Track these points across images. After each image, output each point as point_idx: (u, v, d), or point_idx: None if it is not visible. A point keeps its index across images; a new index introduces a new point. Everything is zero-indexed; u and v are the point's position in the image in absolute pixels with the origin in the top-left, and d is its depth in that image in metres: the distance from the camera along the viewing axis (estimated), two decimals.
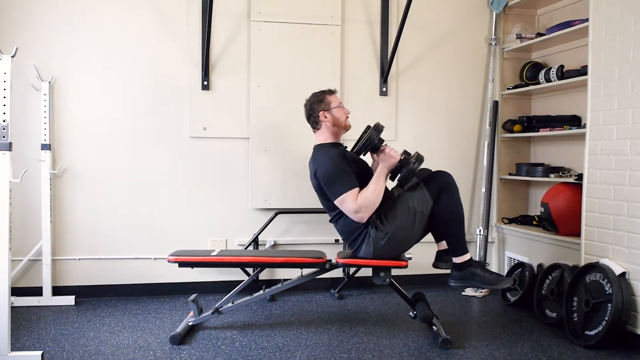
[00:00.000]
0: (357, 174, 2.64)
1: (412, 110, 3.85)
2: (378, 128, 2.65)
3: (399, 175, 2.66)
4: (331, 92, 2.83)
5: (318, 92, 2.83)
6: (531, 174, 3.63)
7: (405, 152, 2.72)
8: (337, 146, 2.77)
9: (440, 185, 2.62)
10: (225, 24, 3.56)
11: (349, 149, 2.82)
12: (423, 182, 2.66)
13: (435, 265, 2.83)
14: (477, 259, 3.74)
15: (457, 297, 3.60)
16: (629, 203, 2.65)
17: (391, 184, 2.77)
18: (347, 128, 2.82)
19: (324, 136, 2.79)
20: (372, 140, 2.63)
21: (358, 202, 2.54)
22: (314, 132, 2.83)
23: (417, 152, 2.68)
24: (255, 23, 3.57)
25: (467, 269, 2.64)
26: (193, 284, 3.56)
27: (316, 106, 2.78)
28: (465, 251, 2.66)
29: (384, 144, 2.66)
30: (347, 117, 2.81)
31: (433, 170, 2.79)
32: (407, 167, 2.61)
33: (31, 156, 3.31)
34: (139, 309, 3.28)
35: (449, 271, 2.73)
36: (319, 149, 2.77)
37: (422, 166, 2.69)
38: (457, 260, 2.66)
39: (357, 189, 2.57)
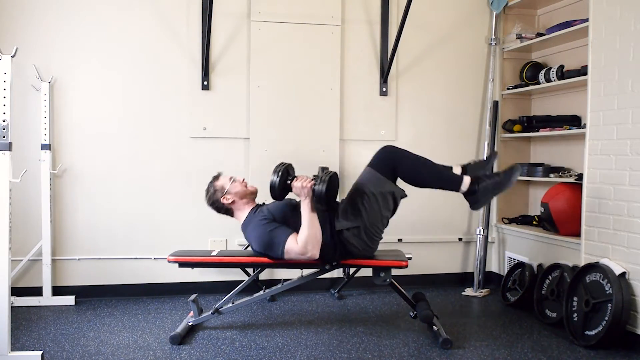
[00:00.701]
0: (289, 217, 2.65)
1: (412, 110, 3.85)
2: (277, 171, 2.60)
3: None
4: (216, 178, 2.85)
5: (208, 188, 2.84)
6: (531, 174, 3.63)
7: (320, 170, 2.63)
8: (257, 210, 2.77)
9: (388, 160, 2.64)
10: (225, 24, 3.56)
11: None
12: (372, 167, 2.67)
13: (473, 178, 2.70)
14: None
15: (457, 297, 3.60)
16: (629, 203, 2.65)
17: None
18: (253, 192, 2.84)
19: (242, 212, 2.80)
20: (274, 185, 2.58)
21: (300, 245, 2.52)
22: (234, 217, 2.84)
23: (325, 171, 2.60)
24: (255, 23, 3.57)
25: (480, 187, 2.58)
26: (193, 284, 3.56)
27: (216, 198, 2.80)
28: (460, 179, 2.62)
29: (294, 180, 2.58)
30: (245, 183, 2.84)
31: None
32: (315, 194, 2.51)
33: (31, 156, 3.31)
34: (139, 309, 3.28)
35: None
36: (246, 225, 2.76)
37: None
38: (463, 189, 2.62)
39: (293, 235, 2.57)
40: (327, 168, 2.63)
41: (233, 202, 2.78)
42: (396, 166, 2.65)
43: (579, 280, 2.81)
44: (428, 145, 3.86)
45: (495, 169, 2.70)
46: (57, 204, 3.42)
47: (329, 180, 2.51)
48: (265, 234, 2.61)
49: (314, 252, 2.54)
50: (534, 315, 3.15)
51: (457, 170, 2.71)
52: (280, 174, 2.59)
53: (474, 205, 2.66)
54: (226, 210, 2.83)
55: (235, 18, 3.57)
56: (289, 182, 2.62)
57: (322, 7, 3.64)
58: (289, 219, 2.67)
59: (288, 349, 2.62)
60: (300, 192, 2.55)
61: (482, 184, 2.60)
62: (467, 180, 2.62)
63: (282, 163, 2.68)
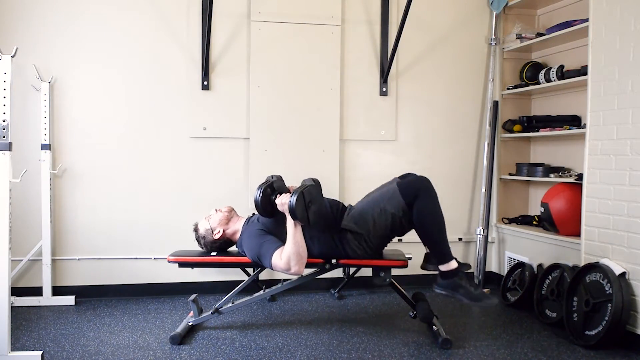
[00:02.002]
0: (282, 224, 2.62)
1: (412, 110, 3.85)
2: (260, 188, 2.55)
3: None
4: (195, 228, 2.89)
5: (198, 240, 2.88)
6: (531, 174, 3.63)
7: (304, 182, 2.62)
8: (250, 220, 2.80)
9: (415, 189, 2.55)
10: (225, 24, 3.56)
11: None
12: (398, 186, 2.60)
13: (423, 267, 2.78)
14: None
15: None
16: (629, 203, 2.65)
17: (372, 187, 2.76)
18: (229, 210, 2.90)
19: (236, 232, 2.85)
20: (257, 203, 2.54)
21: (283, 261, 2.50)
22: (235, 241, 2.87)
23: (302, 183, 2.58)
24: (255, 23, 3.57)
25: (453, 279, 2.53)
26: (193, 284, 3.56)
27: (209, 240, 2.85)
28: (450, 258, 2.55)
29: (276, 197, 2.55)
30: (218, 209, 2.90)
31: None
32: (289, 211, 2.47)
33: (31, 156, 3.31)
34: (139, 309, 3.28)
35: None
36: (241, 235, 2.79)
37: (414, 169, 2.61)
38: (442, 267, 2.56)
39: (279, 250, 2.54)
40: (307, 182, 2.59)
41: (224, 231, 2.84)
42: (418, 197, 2.53)
43: (579, 280, 2.81)
44: (428, 145, 3.86)
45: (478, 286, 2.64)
46: (57, 204, 3.42)
47: (300, 194, 2.43)
48: (257, 246, 2.62)
49: (298, 269, 2.51)
50: (534, 315, 3.15)
51: (454, 264, 2.59)
52: (262, 191, 2.54)
53: (436, 287, 2.58)
54: (226, 243, 2.88)
55: (235, 18, 3.57)
56: (273, 198, 2.57)
57: (322, 7, 3.64)
58: (281, 227, 2.64)
59: (288, 349, 2.61)
60: (283, 209, 2.52)
61: (458, 280, 2.54)
62: (453, 265, 2.55)
63: (268, 178, 2.66)
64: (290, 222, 2.52)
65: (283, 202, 2.50)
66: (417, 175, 2.70)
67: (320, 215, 2.56)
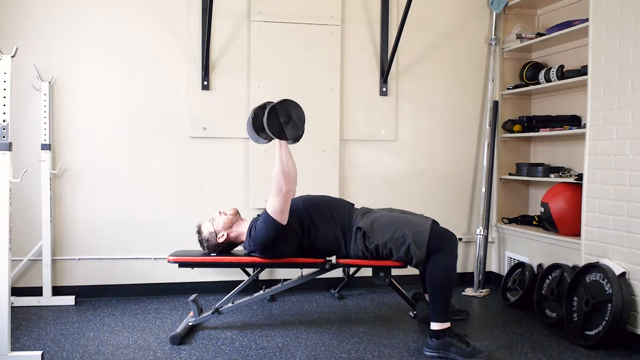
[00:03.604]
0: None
1: (412, 110, 3.85)
2: (254, 108, 2.66)
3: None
4: (199, 231, 2.86)
5: (201, 243, 2.86)
6: (531, 174, 3.63)
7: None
8: (253, 225, 2.78)
9: (443, 241, 2.54)
10: (225, 24, 3.56)
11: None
12: (431, 228, 2.56)
13: (414, 316, 2.87)
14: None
15: (457, 297, 3.59)
16: (629, 203, 2.65)
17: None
18: (234, 213, 2.88)
19: (241, 235, 2.84)
20: (248, 123, 2.64)
21: (273, 187, 2.54)
22: (240, 244, 2.87)
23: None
24: (255, 23, 3.57)
25: (444, 339, 2.49)
26: (193, 284, 3.56)
27: (213, 244, 2.82)
28: (447, 319, 2.53)
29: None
30: (223, 212, 2.88)
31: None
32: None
33: (31, 156, 3.31)
34: (139, 309, 3.28)
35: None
36: (248, 233, 2.77)
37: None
38: (435, 326, 2.52)
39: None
40: (289, 100, 2.66)
41: (228, 235, 2.82)
42: (442, 250, 2.53)
43: (579, 280, 2.81)
44: (428, 145, 3.86)
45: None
46: (57, 204, 3.42)
47: (271, 109, 2.55)
48: (258, 232, 2.65)
49: (289, 187, 2.54)
50: (534, 315, 3.15)
51: (447, 325, 2.56)
52: (253, 110, 2.64)
53: (429, 347, 2.52)
54: (230, 246, 2.87)
55: (235, 18, 3.57)
56: (262, 117, 2.62)
57: (322, 7, 3.64)
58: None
59: (288, 349, 2.61)
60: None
61: (447, 339, 2.49)
62: (446, 325, 2.52)
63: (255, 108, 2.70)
64: (275, 141, 2.58)
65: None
66: (450, 231, 2.65)
67: (298, 129, 2.65)
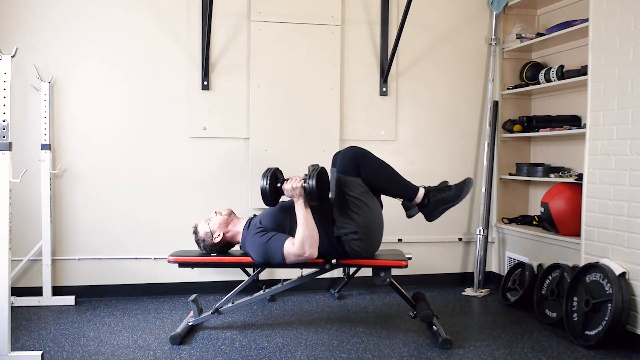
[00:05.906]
0: (282, 221, 2.67)
1: (412, 110, 3.85)
2: (265, 176, 2.61)
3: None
4: (195, 231, 2.87)
5: (197, 243, 2.87)
6: (531, 174, 3.63)
7: (310, 167, 2.65)
8: (250, 224, 2.80)
9: (351, 162, 2.62)
10: (225, 24, 3.56)
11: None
12: (338, 173, 2.65)
13: (408, 216, 2.81)
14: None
15: (457, 297, 3.60)
16: (629, 203, 2.65)
17: None
18: (229, 213, 2.90)
19: (237, 234, 2.85)
20: (265, 191, 2.59)
21: (296, 246, 2.53)
22: (235, 243, 2.89)
23: (313, 167, 2.62)
24: (255, 23, 3.57)
25: (430, 201, 2.66)
26: (193, 284, 3.56)
27: (209, 243, 2.84)
28: (416, 189, 2.67)
29: (284, 182, 2.59)
30: (218, 212, 2.91)
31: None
32: (307, 192, 2.54)
33: (31, 156, 3.31)
34: (139, 309, 3.28)
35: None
36: (244, 242, 2.79)
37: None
38: (417, 201, 2.68)
39: (289, 239, 2.58)
40: (316, 165, 2.65)
41: (224, 235, 2.83)
42: (359, 165, 2.63)
43: (579, 280, 2.81)
44: (428, 145, 3.86)
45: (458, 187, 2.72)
46: (57, 204, 3.42)
47: (318, 175, 2.53)
48: (262, 245, 2.62)
49: (312, 252, 2.54)
50: (534, 315, 3.15)
51: (422, 191, 2.70)
52: (268, 179, 2.60)
53: (427, 218, 2.72)
54: (226, 246, 2.87)
55: (235, 18, 3.57)
56: (279, 185, 2.62)
57: (322, 7, 3.64)
58: (283, 222, 2.68)
59: (288, 349, 2.62)
60: (292, 193, 2.56)
61: (432, 198, 2.66)
62: (421, 192, 2.67)
63: (268, 168, 2.68)
64: (300, 206, 2.55)
65: (294, 186, 2.53)
66: (344, 149, 2.71)
67: (326, 194, 2.65)
